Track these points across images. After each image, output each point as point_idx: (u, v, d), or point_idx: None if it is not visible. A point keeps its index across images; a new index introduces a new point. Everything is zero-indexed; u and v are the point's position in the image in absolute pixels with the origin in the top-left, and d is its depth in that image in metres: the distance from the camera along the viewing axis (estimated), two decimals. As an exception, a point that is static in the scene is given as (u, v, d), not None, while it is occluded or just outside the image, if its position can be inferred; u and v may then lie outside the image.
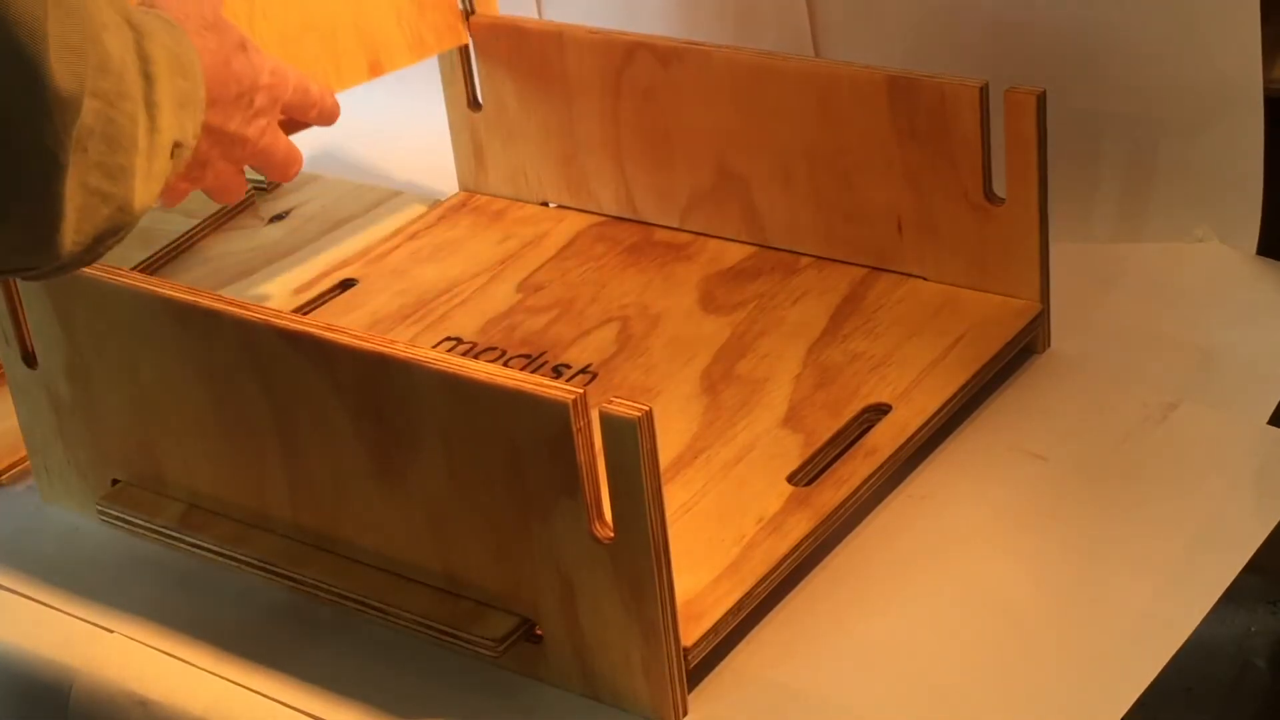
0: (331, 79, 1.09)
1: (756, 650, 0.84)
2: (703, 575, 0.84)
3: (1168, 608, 0.84)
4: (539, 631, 0.82)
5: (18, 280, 0.84)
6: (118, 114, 0.74)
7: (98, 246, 0.76)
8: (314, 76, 1.03)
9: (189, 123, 0.81)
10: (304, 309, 1.09)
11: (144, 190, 0.77)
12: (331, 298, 1.10)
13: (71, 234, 0.74)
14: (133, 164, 0.76)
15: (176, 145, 0.80)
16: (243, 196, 1.02)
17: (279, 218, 1.22)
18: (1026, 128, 0.97)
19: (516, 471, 0.78)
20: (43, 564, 0.94)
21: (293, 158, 1.01)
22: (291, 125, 1.02)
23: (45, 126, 0.71)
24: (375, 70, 1.12)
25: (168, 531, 0.91)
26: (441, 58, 1.18)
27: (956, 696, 0.81)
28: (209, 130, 0.92)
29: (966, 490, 0.93)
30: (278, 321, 0.82)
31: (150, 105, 0.76)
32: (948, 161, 1.01)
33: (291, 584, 0.87)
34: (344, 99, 1.06)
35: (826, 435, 0.93)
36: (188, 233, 1.19)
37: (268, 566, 0.88)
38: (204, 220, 1.20)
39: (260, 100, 0.96)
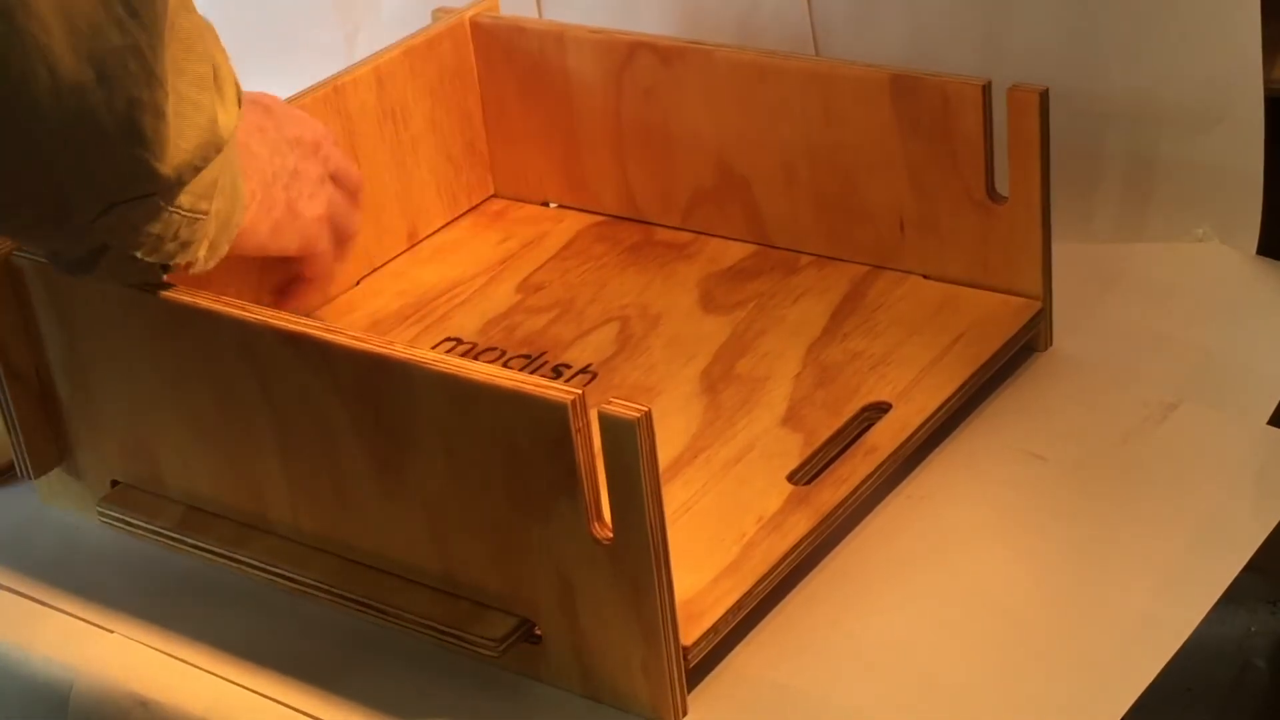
0: (374, 252, 1.11)
1: (756, 650, 0.84)
2: (703, 574, 0.84)
3: (1168, 608, 0.84)
4: (538, 632, 0.82)
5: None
6: (185, 20, 0.78)
7: (200, 164, 0.79)
8: (359, 253, 1.08)
9: (237, 86, 0.84)
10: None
11: (224, 112, 0.81)
12: (331, 299, 1.10)
13: (174, 138, 0.77)
14: (209, 74, 0.79)
15: (239, 90, 0.83)
16: (356, 235, 1.03)
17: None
18: (1029, 125, 0.97)
19: (515, 472, 0.78)
20: (43, 564, 0.94)
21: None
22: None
23: None
24: (412, 238, 1.14)
25: (168, 533, 0.91)
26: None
27: (956, 696, 0.81)
28: (290, 143, 0.95)
29: (966, 490, 0.93)
30: (276, 322, 0.83)
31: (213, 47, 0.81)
32: (950, 160, 1.01)
33: (291, 585, 0.87)
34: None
35: (826, 434, 0.93)
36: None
37: (268, 568, 0.88)
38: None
39: (307, 137, 0.98)
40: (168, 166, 0.78)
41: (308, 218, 0.96)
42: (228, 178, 0.84)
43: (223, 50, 0.83)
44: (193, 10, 0.80)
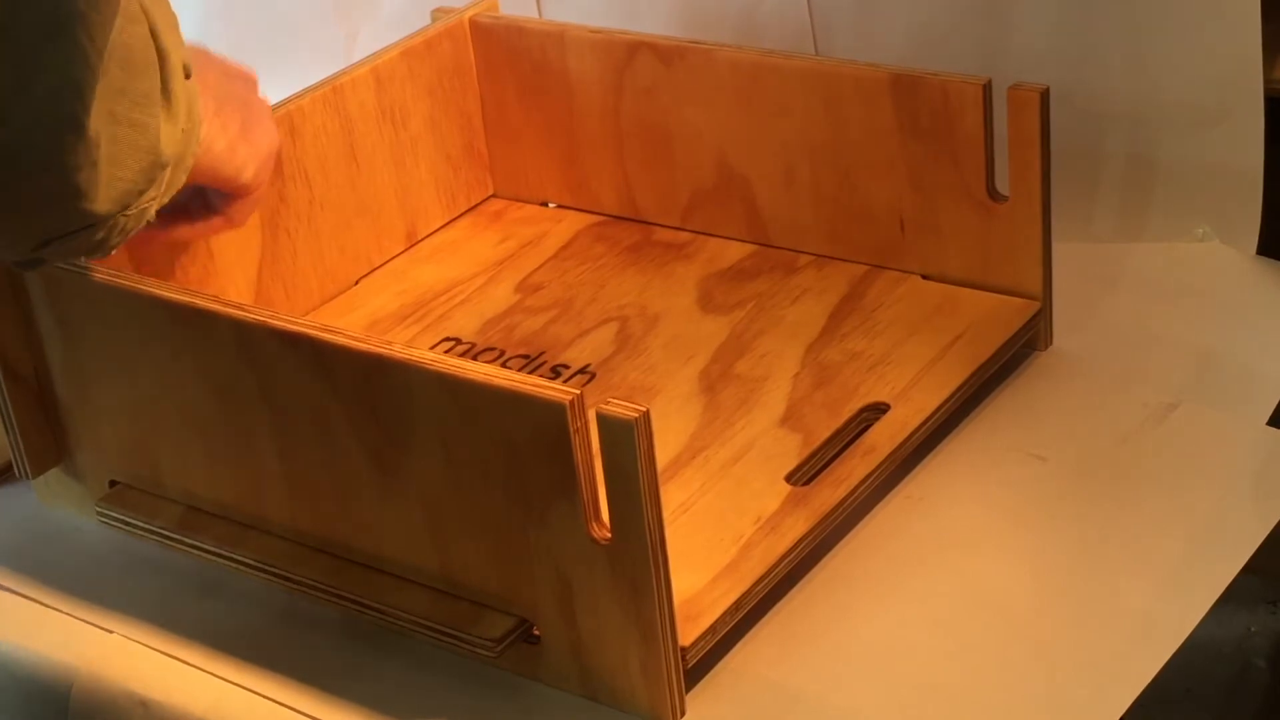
0: (373, 252, 1.12)
1: (755, 650, 0.84)
2: (701, 575, 0.84)
3: (1168, 608, 0.84)
4: (537, 632, 0.82)
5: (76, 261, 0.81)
6: (129, 35, 0.74)
7: (144, 187, 0.76)
8: (358, 254, 1.10)
9: (185, 49, 0.80)
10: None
11: (169, 122, 0.77)
12: (330, 298, 1.10)
13: (110, 174, 0.74)
14: (154, 87, 0.75)
15: (188, 69, 0.79)
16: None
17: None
18: (1030, 125, 0.97)
19: (513, 472, 0.78)
20: (43, 564, 0.95)
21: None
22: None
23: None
24: (410, 238, 1.15)
25: (167, 533, 0.91)
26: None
27: (956, 696, 0.81)
28: (234, 75, 0.91)
29: (965, 490, 0.93)
30: (275, 323, 0.82)
31: (154, 30, 0.76)
32: (950, 159, 1.01)
33: (290, 585, 0.87)
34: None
35: (825, 434, 0.93)
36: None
37: (267, 568, 0.88)
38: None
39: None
40: (105, 204, 0.75)
41: (263, 146, 0.90)
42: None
43: (170, 24, 0.78)
44: (139, 20, 0.75)
